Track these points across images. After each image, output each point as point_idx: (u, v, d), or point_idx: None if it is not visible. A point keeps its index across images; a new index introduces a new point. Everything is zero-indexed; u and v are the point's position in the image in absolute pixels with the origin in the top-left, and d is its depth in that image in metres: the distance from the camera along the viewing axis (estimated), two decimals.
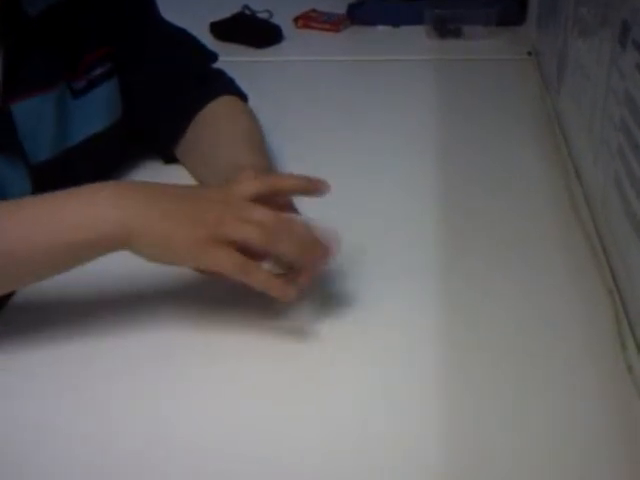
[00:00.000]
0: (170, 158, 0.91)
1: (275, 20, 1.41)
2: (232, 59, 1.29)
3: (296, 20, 1.43)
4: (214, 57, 0.93)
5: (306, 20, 1.42)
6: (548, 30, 1.14)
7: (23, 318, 0.70)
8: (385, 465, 0.55)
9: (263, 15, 1.43)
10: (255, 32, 1.37)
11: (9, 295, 0.71)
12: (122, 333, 0.67)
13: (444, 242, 0.78)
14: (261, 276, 0.62)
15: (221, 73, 0.93)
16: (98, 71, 0.83)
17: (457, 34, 1.34)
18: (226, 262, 0.61)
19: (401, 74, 1.23)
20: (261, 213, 0.62)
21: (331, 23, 1.40)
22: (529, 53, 1.27)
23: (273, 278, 0.64)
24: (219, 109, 0.88)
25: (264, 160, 0.79)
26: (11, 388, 0.63)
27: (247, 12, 1.43)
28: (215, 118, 0.87)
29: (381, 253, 0.76)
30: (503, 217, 0.83)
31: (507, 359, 0.64)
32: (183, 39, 0.92)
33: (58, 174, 0.78)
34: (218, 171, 0.78)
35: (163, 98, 0.88)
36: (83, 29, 0.82)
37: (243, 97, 0.91)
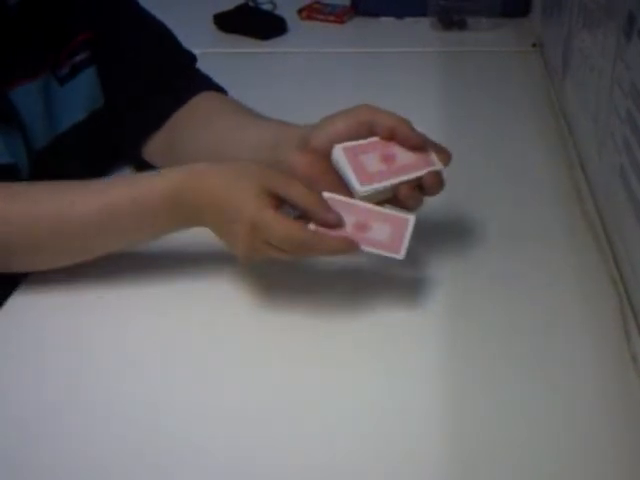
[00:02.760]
0: (136, 157, 0.90)
1: (279, 11, 1.41)
2: (236, 50, 1.30)
3: (300, 11, 1.42)
4: (193, 57, 0.92)
5: (310, 11, 1.42)
6: (553, 21, 1.13)
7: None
8: (385, 465, 0.55)
9: (267, 6, 1.43)
10: (259, 23, 1.37)
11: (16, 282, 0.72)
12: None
13: (446, 233, 0.78)
14: (323, 245, 0.63)
15: (197, 71, 0.91)
16: (80, 57, 0.83)
17: (461, 26, 1.34)
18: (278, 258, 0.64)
19: (405, 66, 1.23)
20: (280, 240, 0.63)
21: (335, 14, 1.40)
22: (534, 45, 1.26)
23: (331, 239, 0.64)
24: (209, 101, 0.86)
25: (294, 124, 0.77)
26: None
27: (251, 4, 1.42)
28: (210, 107, 0.85)
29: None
30: (507, 208, 0.83)
31: (509, 350, 0.64)
32: (162, 34, 0.91)
33: (51, 162, 0.79)
34: (245, 148, 0.76)
35: (138, 92, 0.87)
36: (64, 15, 0.81)
37: (223, 92, 0.90)
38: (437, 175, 0.67)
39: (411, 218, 0.66)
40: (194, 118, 0.84)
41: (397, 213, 0.67)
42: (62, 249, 0.69)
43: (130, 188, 0.68)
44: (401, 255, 0.64)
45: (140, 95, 0.86)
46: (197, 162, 0.68)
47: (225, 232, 0.66)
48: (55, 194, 0.69)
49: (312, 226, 0.64)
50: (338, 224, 0.64)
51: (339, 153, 0.66)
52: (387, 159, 0.67)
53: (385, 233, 0.65)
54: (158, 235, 0.71)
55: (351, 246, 0.64)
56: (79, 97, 0.84)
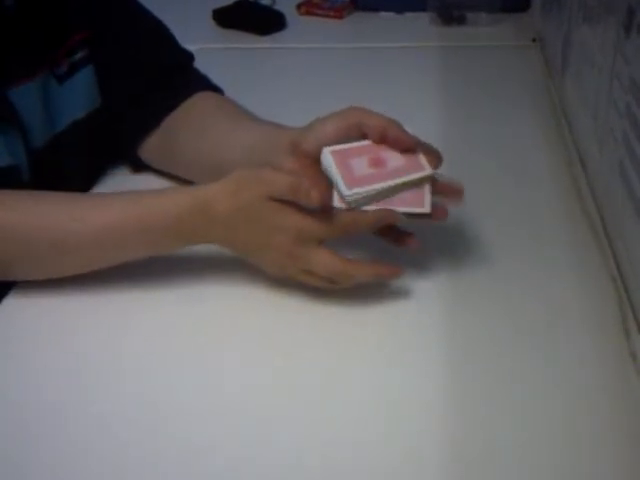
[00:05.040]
0: (134, 160, 0.89)
1: (278, 7, 1.41)
2: (235, 46, 1.29)
3: (299, 7, 1.42)
4: (190, 55, 0.92)
5: (309, 7, 1.42)
6: (552, 16, 1.13)
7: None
8: (385, 464, 0.55)
9: (266, 2, 1.42)
10: (258, 19, 1.37)
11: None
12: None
13: (445, 230, 0.78)
14: (362, 271, 0.66)
15: (194, 70, 0.91)
16: (78, 55, 0.83)
17: (461, 21, 1.34)
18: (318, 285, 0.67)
19: (405, 61, 1.22)
20: (322, 267, 0.65)
21: (334, 9, 1.40)
22: (533, 40, 1.26)
23: (371, 266, 0.67)
24: (205, 101, 0.86)
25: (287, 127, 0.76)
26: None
27: None
28: (205, 109, 0.85)
29: (381, 242, 0.76)
30: (506, 205, 0.83)
31: (509, 348, 0.64)
32: (160, 33, 0.91)
33: (49, 162, 0.79)
34: (238, 151, 0.76)
35: (135, 90, 0.86)
36: (61, 14, 0.81)
37: (220, 92, 0.90)
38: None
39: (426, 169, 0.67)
40: (189, 119, 0.84)
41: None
42: (62, 262, 0.68)
43: (136, 207, 0.67)
44: (426, 209, 0.66)
45: (138, 93, 0.86)
46: (199, 179, 0.69)
47: (244, 251, 0.68)
48: (57, 206, 0.68)
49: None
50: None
51: (327, 156, 0.66)
52: (376, 163, 0.66)
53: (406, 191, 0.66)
54: (163, 252, 0.70)
55: (390, 272, 0.67)
56: (77, 96, 0.83)
